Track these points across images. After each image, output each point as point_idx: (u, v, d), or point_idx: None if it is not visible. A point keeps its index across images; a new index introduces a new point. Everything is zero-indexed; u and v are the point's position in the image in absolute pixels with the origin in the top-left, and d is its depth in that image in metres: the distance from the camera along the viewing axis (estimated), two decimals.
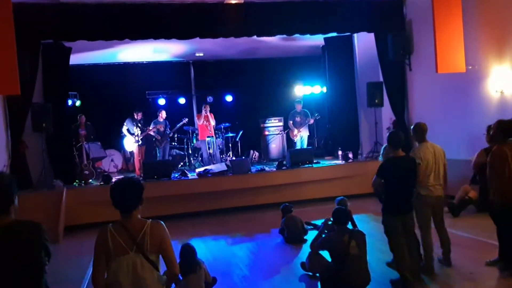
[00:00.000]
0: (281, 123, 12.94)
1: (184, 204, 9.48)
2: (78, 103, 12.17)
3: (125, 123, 11.36)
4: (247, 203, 9.73)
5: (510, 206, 4.86)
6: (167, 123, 11.71)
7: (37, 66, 9.20)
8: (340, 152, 11.06)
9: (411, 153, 5.33)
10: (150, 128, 11.34)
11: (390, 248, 5.11)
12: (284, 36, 10.72)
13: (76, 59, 10.84)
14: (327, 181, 10.08)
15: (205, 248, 7.08)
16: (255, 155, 12.52)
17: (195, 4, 9.36)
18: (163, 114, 11.64)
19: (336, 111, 12.06)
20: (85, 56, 11.75)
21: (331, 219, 5.20)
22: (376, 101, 10.75)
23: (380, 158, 5.91)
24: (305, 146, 11.86)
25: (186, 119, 11.99)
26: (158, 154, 11.53)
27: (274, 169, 10.32)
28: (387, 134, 5.24)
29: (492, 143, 4.97)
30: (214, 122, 11.98)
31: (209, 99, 13.48)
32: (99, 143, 11.63)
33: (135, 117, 11.35)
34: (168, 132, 11.64)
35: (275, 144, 12.84)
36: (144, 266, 2.87)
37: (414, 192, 5.09)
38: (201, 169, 10.36)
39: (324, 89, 13.13)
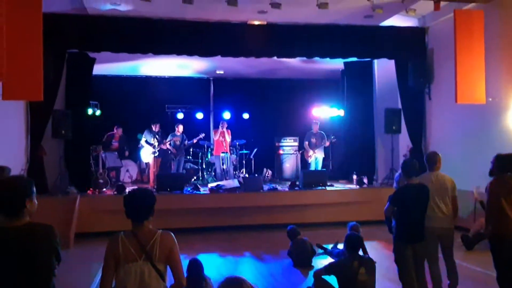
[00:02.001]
0: (296, 143, 12.94)
1: (194, 218, 9.49)
2: (98, 112, 12.39)
3: (143, 135, 11.52)
4: (257, 221, 9.68)
5: (500, 241, 4.79)
6: (184, 136, 11.82)
7: (61, 74, 9.43)
8: (355, 177, 10.91)
9: None
10: (167, 140, 11.46)
11: (399, 277, 5.03)
12: (304, 58, 10.80)
13: (99, 69, 11.07)
14: (340, 205, 9.98)
15: (213, 265, 7.04)
16: (268, 174, 12.50)
17: (219, 23, 9.52)
18: (180, 128, 11.76)
19: (353, 135, 12.00)
20: (108, 67, 12.01)
21: (339, 243, 5.16)
22: (394, 127, 10.70)
23: (395, 186, 5.87)
24: (319, 167, 11.80)
25: (203, 134, 12.10)
26: (172, 167, 11.62)
27: (287, 189, 10.29)
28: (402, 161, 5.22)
29: (491, 177, 5.03)
30: (230, 138, 12.05)
31: (227, 116, 13.60)
32: (116, 153, 11.79)
33: (153, 128, 11.50)
34: (183, 146, 11.74)
35: (289, 164, 12.83)
36: (151, 274, 2.92)
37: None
38: (214, 184, 10.39)
39: (342, 113, 13.13)
